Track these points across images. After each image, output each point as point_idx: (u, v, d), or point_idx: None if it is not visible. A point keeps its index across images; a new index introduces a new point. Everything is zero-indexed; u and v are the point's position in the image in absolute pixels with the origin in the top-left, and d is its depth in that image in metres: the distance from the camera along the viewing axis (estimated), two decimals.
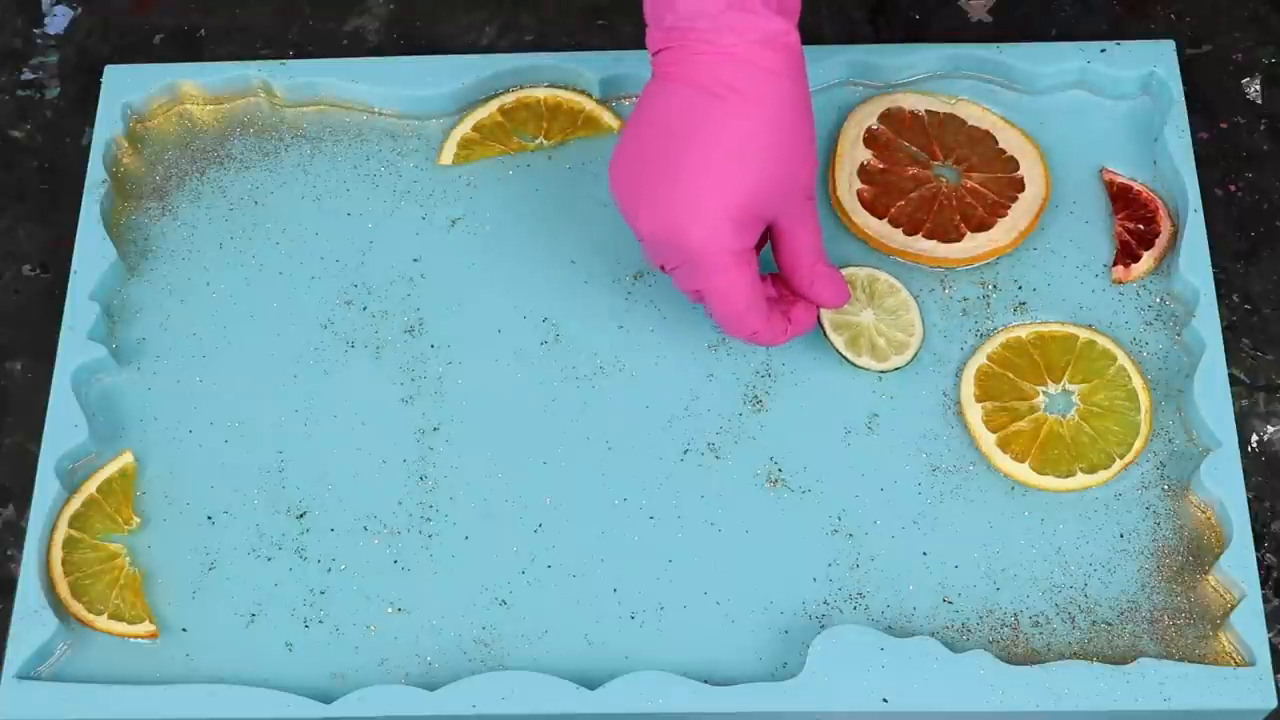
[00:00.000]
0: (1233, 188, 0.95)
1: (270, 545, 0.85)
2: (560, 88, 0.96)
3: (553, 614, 0.83)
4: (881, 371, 0.87)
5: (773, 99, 0.78)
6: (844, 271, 0.88)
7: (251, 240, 0.93)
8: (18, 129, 0.99)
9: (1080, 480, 0.84)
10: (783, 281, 0.85)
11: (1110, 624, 0.82)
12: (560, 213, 0.93)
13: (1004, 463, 0.85)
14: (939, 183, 0.92)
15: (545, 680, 0.80)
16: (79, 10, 1.03)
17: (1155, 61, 0.94)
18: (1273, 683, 0.79)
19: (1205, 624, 0.82)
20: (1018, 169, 0.92)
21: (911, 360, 0.88)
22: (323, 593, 0.84)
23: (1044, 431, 0.85)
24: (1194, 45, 0.99)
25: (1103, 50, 0.94)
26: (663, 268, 0.82)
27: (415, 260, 0.92)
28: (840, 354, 0.87)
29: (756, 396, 0.87)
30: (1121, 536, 0.84)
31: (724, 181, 0.78)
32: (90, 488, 0.86)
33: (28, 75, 1.01)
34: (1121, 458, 0.85)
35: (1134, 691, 0.79)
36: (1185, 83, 0.94)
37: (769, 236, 0.83)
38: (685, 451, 0.86)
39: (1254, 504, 0.86)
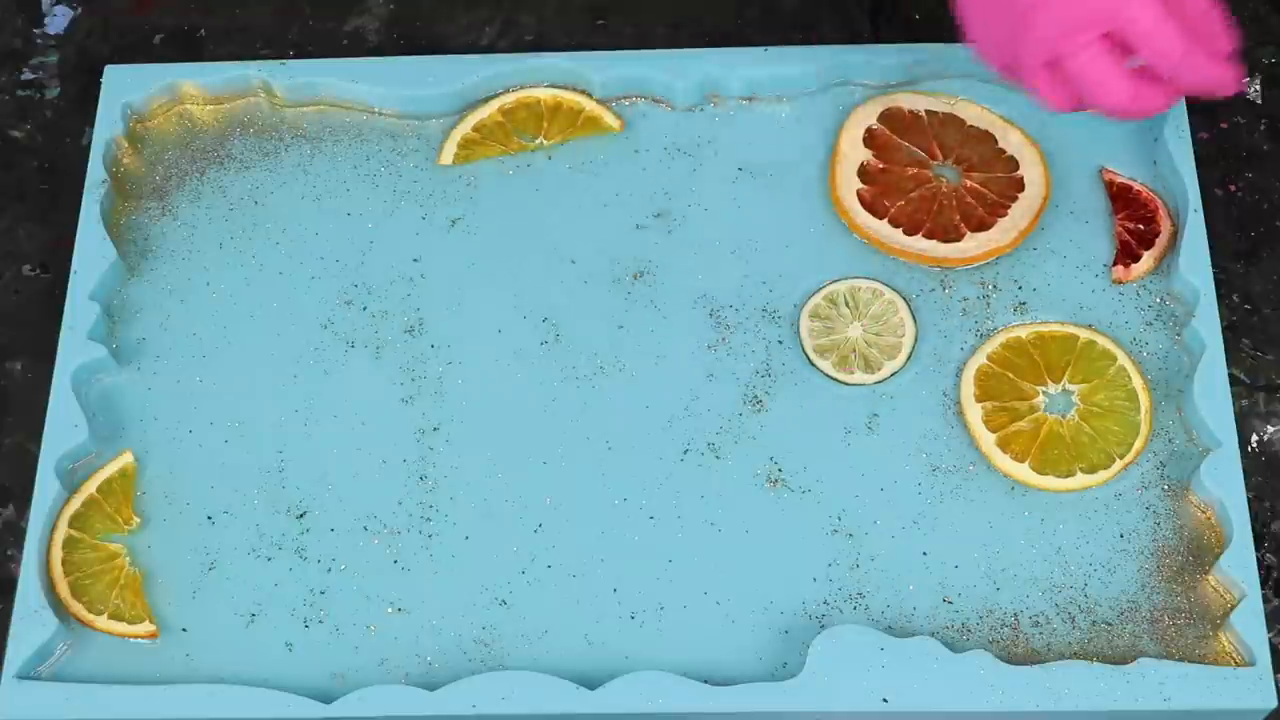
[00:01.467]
0: (1233, 188, 0.95)
1: (270, 545, 0.85)
2: (560, 88, 0.96)
3: (553, 614, 0.83)
4: (878, 382, 0.87)
5: None
6: (822, 291, 0.89)
7: (251, 240, 0.93)
8: (18, 129, 0.99)
9: (1080, 480, 0.84)
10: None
11: (1110, 624, 0.82)
12: (560, 213, 0.93)
13: (1004, 463, 0.85)
14: (939, 182, 0.92)
15: (545, 680, 0.80)
16: (79, 10, 1.03)
17: None
18: (1273, 683, 0.79)
19: (1205, 624, 0.82)
20: (1018, 169, 0.92)
21: (908, 360, 0.88)
22: (323, 593, 0.84)
23: (1044, 431, 0.85)
24: None
25: None
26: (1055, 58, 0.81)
27: (415, 260, 0.92)
28: (832, 379, 0.87)
29: (756, 396, 0.87)
30: (1121, 536, 0.84)
31: None
32: (90, 488, 0.86)
33: (28, 75, 1.01)
34: (1121, 458, 0.85)
35: (1134, 691, 0.79)
36: None
37: None
38: (685, 451, 0.86)
39: (1254, 504, 0.86)
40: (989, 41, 0.84)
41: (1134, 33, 0.79)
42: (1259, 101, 0.97)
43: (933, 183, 0.92)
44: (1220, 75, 0.82)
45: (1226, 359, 0.86)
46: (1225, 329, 0.88)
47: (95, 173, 0.93)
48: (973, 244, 0.90)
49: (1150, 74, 0.81)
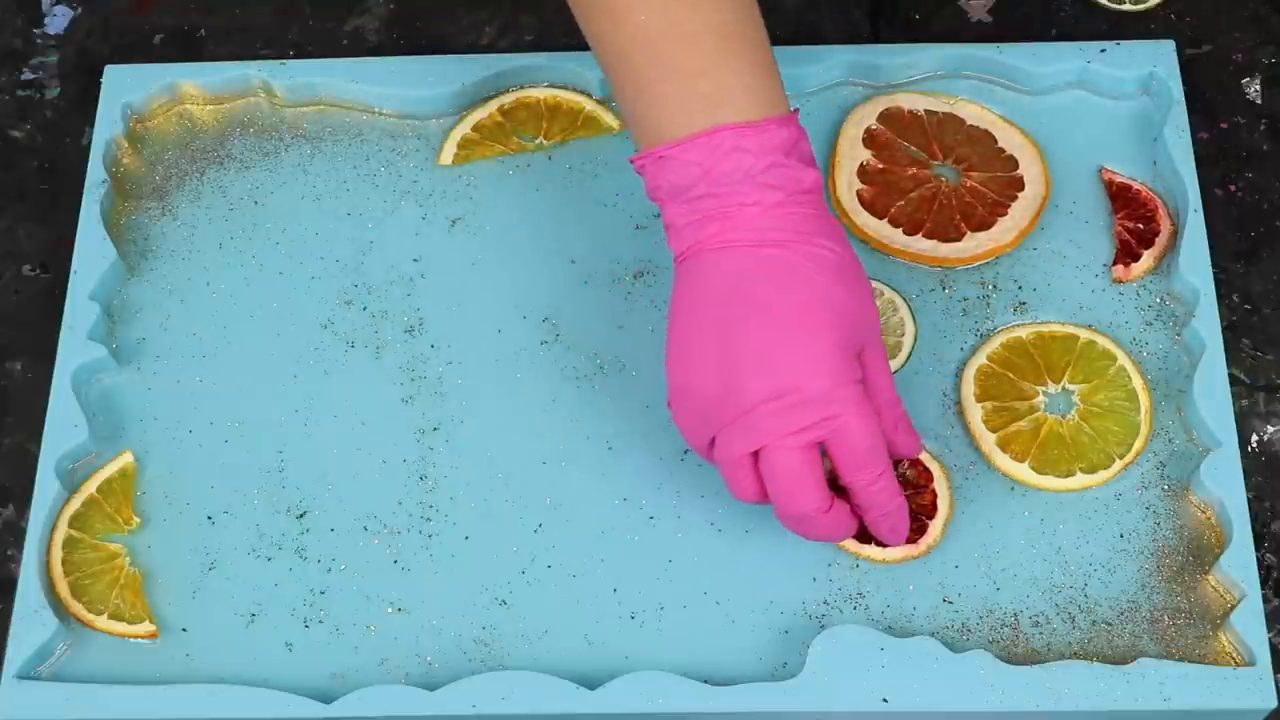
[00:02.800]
0: (1233, 188, 0.95)
1: (270, 545, 0.85)
2: (560, 88, 0.96)
3: (553, 614, 0.83)
4: None
5: (835, 236, 0.78)
6: None
7: (251, 240, 0.93)
8: (18, 129, 0.99)
9: (1080, 480, 0.84)
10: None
11: (1110, 624, 0.82)
12: (560, 213, 0.93)
13: (1004, 463, 0.85)
14: (939, 182, 0.92)
15: (545, 680, 0.80)
16: (79, 10, 1.03)
17: (1155, 61, 0.94)
18: (1273, 683, 0.79)
19: (1205, 624, 0.82)
20: (1017, 168, 0.92)
21: (907, 360, 0.88)
22: (323, 593, 0.84)
23: (1044, 431, 0.85)
24: (1194, 45, 0.99)
25: (1103, 50, 0.94)
26: (745, 454, 0.78)
27: (415, 260, 0.92)
28: None
29: None
30: (1121, 536, 0.84)
31: (825, 320, 0.76)
32: (90, 488, 0.86)
33: (28, 75, 1.01)
34: (1121, 458, 0.85)
35: (1134, 691, 0.79)
36: (1185, 83, 0.94)
37: None
38: (685, 451, 0.86)
39: (1254, 504, 0.86)
40: (694, 410, 0.78)
41: (844, 444, 0.77)
42: (1259, 101, 0.97)
43: (932, 182, 0.92)
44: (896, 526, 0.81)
45: (1226, 359, 0.86)
46: (1225, 329, 0.88)
47: (95, 173, 0.93)
48: (973, 243, 0.90)
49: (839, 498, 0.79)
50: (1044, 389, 0.87)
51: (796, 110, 0.79)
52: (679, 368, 0.79)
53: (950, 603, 0.82)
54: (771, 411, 0.76)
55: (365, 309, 0.91)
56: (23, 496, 0.86)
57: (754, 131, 0.76)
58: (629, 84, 0.79)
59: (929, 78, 0.95)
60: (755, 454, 0.77)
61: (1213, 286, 0.88)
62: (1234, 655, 0.80)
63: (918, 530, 0.83)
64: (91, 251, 0.91)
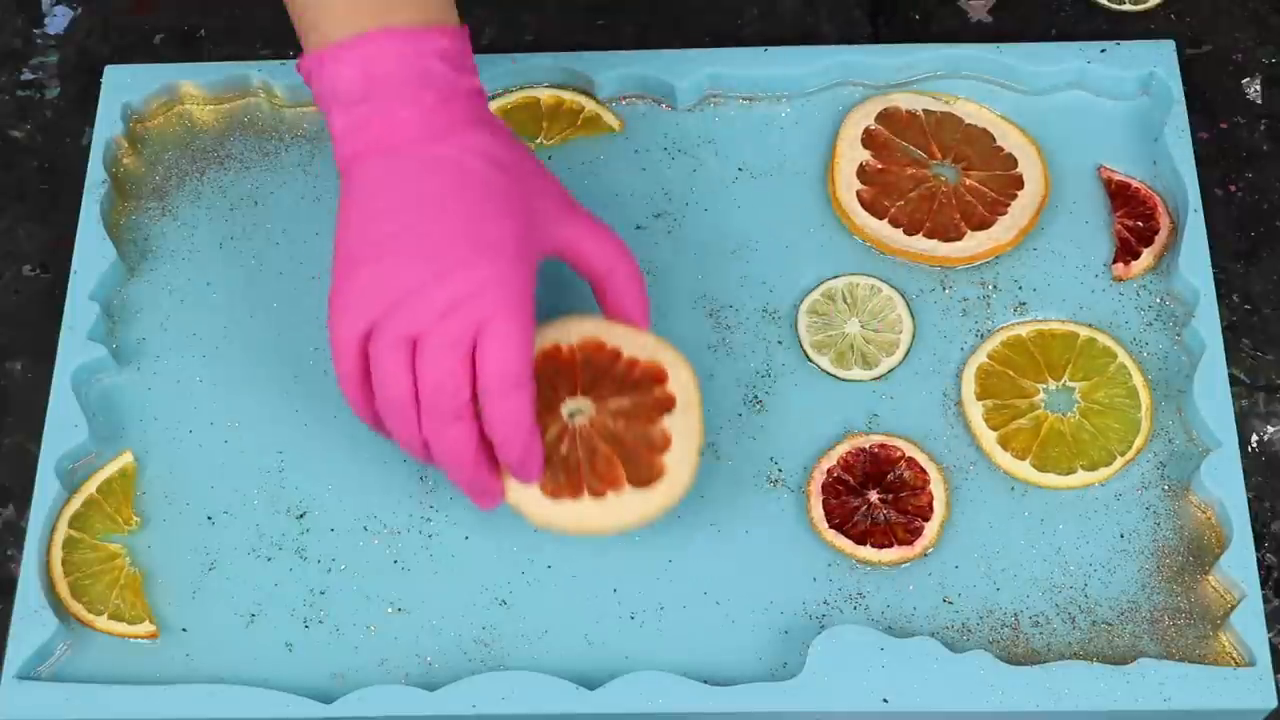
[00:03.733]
0: (1233, 188, 0.95)
1: (270, 545, 0.85)
2: (560, 88, 0.96)
3: (553, 614, 0.83)
4: (875, 379, 0.87)
5: (501, 136, 0.79)
6: (820, 288, 0.89)
7: (251, 240, 0.93)
8: (18, 129, 0.99)
9: (1081, 478, 0.84)
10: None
11: (1110, 624, 0.82)
12: None
13: (1005, 460, 0.85)
14: (938, 182, 0.92)
15: (545, 680, 0.80)
16: (79, 10, 1.03)
17: (1155, 62, 0.94)
18: (1273, 683, 0.79)
19: (1205, 624, 0.82)
20: (1016, 166, 0.92)
21: (905, 357, 0.88)
22: (323, 593, 0.84)
23: (1045, 429, 0.85)
24: (1194, 45, 0.99)
25: (1102, 50, 0.94)
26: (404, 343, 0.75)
27: None
28: (830, 374, 0.87)
29: (756, 396, 0.87)
30: (1121, 536, 0.84)
31: (492, 212, 0.77)
32: (90, 488, 0.86)
33: (28, 75, 1.01)
34: (1122, 455, 0.85)
35: (1134, 691, 0.79)
36: (1185, 83, 0.94)
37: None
38: None
39: (1254, 504, 0.86)
40: (351, 302, 0.77)
41: (489, 341, 0.75)
42: (1259, 101, 0.97)
43: (931, 182, 0.92)
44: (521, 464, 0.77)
45: (1226, 359, 0.86)
46: (1225, 329, 0.88)
47: (95, 173, 0.93)
48: (974, 242, 0.90)
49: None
50: (1044, 387, 0.87)
51: (467, 28, 0.80)
52: (345, 261, 0.77)
53: (950, 603, 0.82)
54: (429, 295, 0.75)
55: None
56: (23, 496, 0.86)
57: (415, 37, 0.77)
58: None
59: (928, 78, 0.95)
60: (412, 346, 0.75)
61: (1213, 286, 0.88)
62: (1234, 655, 0.80)
63: (913, 532, 0.83)
64: (91, 251, 0.91)
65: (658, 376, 0.81)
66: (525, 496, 0.79)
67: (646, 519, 0.80)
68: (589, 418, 0.80)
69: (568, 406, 0.80)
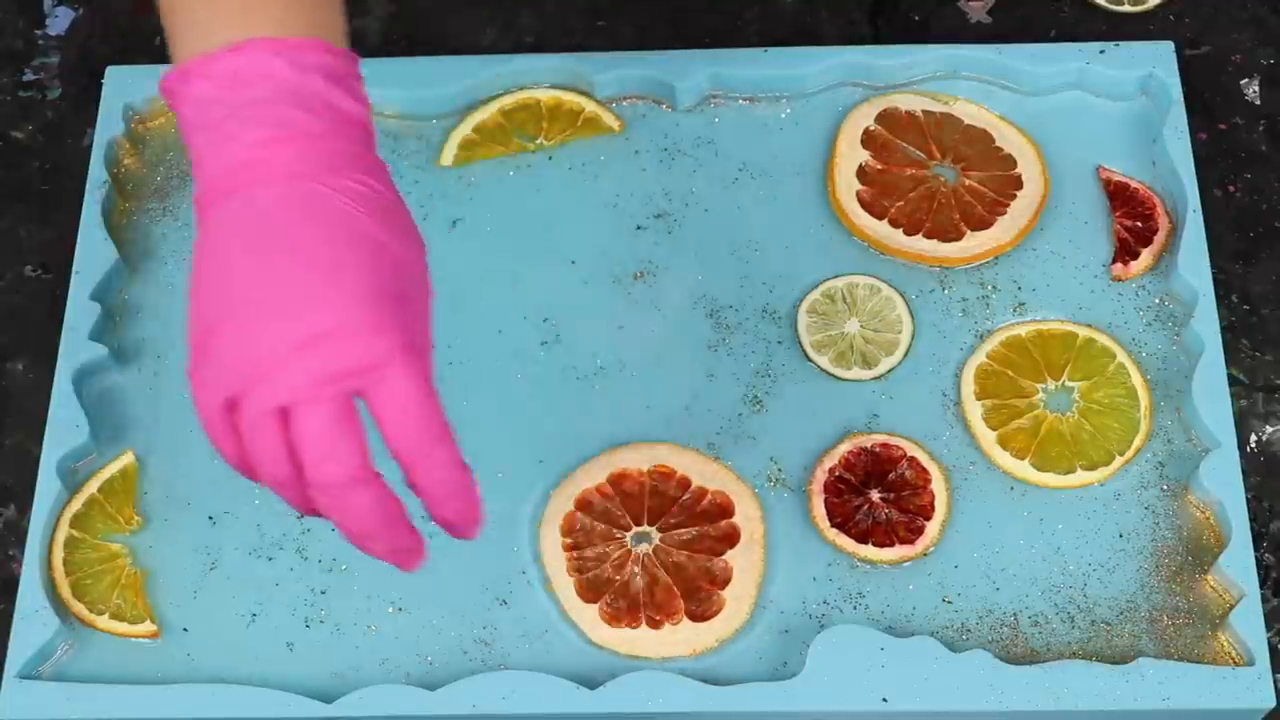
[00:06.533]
0: (1231, 188, 0.95)
1: (271, 545, 0.85)
2: (560, 88, 0.96)
3: (553, 614, 0.83)
4: (875, 378, 0.87)
5: (377, 174, 0.69)
6: (820, 288, 0.89)
7: None
8: (19, 130, 0.99)
9: (1080, 477, 0.85)
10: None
11: (1110, 624, 0.82)
12: (560, 213, 0.93)
13: (1004, 460, 0.85)
14: (937, 182, 0.92)
15: (545, 680, 0.80)
16: (80, 11, 1.03)
17: (1154, 63, 0.94)
18: (1272, 683, 0.79)
19: (1204, 624, 0.82)
20: (1015, 166, 0.92)
21: (905, 356, 0.88)
22: (323, 592, 0.84)
23: (1044, 429, 0.86)
24: (1193, 46, 0.99)
25: (1102, 51, 0.94)
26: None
27: None
28: (830, 374, 0.87)
29: (756, 396, 0.88)
30: (1121, 536, 0.84)
31: (364, 259, 0.65)
32: (92, 488, 0.86)
33: (29, 76, 1.01)
34: (1121, 455, 0.85)
35: (1133, 691, 0.79)
36: (1184, 83, 0.94)
37: None
38: None
39: (1253, 504, 0.86)
40: (214, 371, 0.65)
41: (389, 403, 0.64)
42: (1258, 102, 0.97)
43: (931, 182, 0.92)
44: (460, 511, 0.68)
45: (1226, 359, 0.86)
46: (1224, 329, 0.88)
47: (96, 173, 0.93)
48: (974, 242, 0.90)
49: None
50: (1043, 387, 0.87)
51: (356, 52, 0.70)
52: (200, 322, 0.66)
53: (950, 602, 0.82)
54: (300, 360, 0.63)
55: None
56: (24, 497, 0.86)
57: (291, 50, 0.67)
58: None
59: (928, 78, 0.95)
60: (284, 415, 0.64)
61: (1211, 287, 0.88)
62: (1233, 655, 0.81)
63: (915, 531, 0.83)
64: (93, 252, 0.91)
65: (724, 507, 0.83)
66: (584, 618, 0.81)
67: (698, 652, 0.81)
68: (653, 545, 0.82)
69: (633, 533, 0.82)
